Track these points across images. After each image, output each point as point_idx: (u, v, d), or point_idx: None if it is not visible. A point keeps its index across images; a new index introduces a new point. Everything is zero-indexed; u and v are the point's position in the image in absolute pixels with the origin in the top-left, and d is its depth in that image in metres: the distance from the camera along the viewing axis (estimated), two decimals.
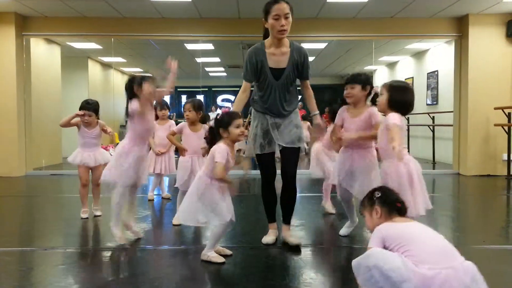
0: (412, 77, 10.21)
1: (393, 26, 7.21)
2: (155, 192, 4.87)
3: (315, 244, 3.13)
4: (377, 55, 9.41)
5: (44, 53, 8.09)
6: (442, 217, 3.02)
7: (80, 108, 3.77)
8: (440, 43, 8.57)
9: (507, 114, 6.68)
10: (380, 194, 1.97)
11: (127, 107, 2.99)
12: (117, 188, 2.96)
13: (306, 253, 2.82)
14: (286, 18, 2.71)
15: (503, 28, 6.95)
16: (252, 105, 3.00)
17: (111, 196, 3.00)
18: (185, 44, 8.67)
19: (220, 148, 2.52)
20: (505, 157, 6.79)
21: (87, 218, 3.79)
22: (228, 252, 2.73)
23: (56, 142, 8.39)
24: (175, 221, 3.55)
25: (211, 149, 2.58)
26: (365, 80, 2.89)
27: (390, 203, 1.93)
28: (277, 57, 2.82)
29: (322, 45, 8.90)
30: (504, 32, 6.94)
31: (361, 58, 10.07)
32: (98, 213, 3.89)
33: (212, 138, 2.61)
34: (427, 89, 9.45)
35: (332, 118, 3.33)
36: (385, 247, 1.73)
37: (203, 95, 13.48)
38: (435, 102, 9.14)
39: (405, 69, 10.75)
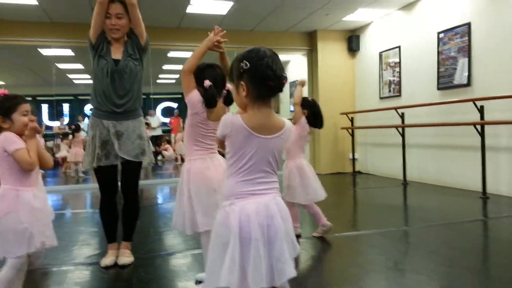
0: None
1: (254, 38, 7.65)
2: None
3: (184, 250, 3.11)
4: None
5: None
6: (303, 211, 3.40)
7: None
8: (298, 55, 9.39)
9: (350, 118, 7.64)
10: (249, 66, 1.41)
11: None
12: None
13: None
14: (118, 18, 2.60)
15: (345, 43, 7.93)
16: (92, 109, 2.71)
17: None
18: (38, 49, 7.94)
19: (6, 136, 1.95)
20: (351, 156, 7.75)
21: None
22: None
23: None
24: None
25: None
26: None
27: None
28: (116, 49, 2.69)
29: (188, 54, 8.99)
30: (346, 46, 7.93)
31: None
32: None
33: None
34: (290, 97, 10.25)
35: None
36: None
37: (68, 104, 12.45)
38: None
39: None
